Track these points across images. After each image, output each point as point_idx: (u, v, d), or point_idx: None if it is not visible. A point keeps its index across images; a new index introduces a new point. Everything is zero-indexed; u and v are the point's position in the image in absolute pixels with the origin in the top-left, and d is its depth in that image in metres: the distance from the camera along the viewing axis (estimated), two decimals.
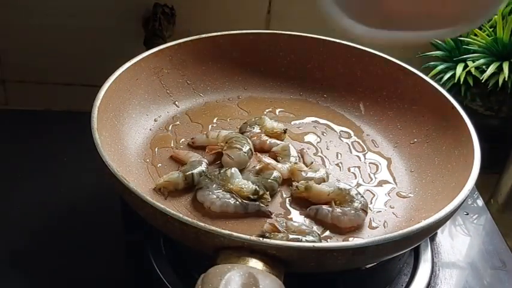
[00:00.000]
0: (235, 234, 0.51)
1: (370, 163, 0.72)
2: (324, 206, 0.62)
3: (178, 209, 0.62)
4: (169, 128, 0.74)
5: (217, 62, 0.81)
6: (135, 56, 0.74)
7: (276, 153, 0.70)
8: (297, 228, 0.59)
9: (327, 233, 0.61)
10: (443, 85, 0.85)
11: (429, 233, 0.58)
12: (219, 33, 0.81)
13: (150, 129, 0.74)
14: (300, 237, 0.57)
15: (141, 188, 0.61)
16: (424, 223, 0.55)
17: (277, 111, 0.79)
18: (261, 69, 0.83)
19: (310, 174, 0.66)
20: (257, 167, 0.67)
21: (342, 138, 0.75)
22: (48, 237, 0.71)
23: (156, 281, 0.62)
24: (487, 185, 0.89)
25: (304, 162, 0.69)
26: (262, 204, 0.62)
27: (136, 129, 0.72)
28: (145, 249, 0.64)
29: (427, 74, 0.77)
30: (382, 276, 0.65)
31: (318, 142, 0.74)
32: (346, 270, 0.57)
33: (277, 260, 0.51)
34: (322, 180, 0.66)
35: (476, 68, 0.86)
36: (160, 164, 0.68)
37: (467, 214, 0.78)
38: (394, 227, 0.63)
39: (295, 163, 0.67)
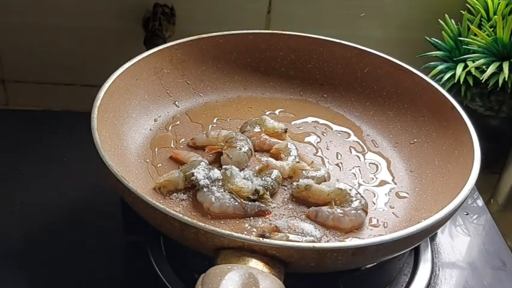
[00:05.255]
0: (235, 234, 0.51)
1: (370, 163, 0.72)
2: (324, 208, 0.62)
3: (178, 209, 0.62)
4: (169, 128, 0.74)
5: (217, 62, 0.81)
6: (135, 56, 0.74)
7: (280, 150, 0.70)
8: (297, 228, 0.59)
9: (327, 233, 0.61)
10: (443, 85, 0.85)
11: (429, 233, 0.58)
12: (219, 33, 0.81)
13: (150, 129, 0.74)
14: (300, 237, 0.57)
15: (141, 188, 0.61)
16: (424, 223, 0.55)
17: (277, 111, 0.79)
18: (261, 69, 0.83)
19: (311, 174, 0.66)
20: (257, 167, 0.67)
21: (341, 139, 0.75)
22: (48, 237, 0.71)
23: (156, 281, 0.62)
24: (487, 185, 0.89)
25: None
26: (262, 204, 0.62)
27: (136, 129, 0.72)
28: (145, 249, 0.64)
29: (427, 74, 0.77)
30: (382, 276, 0.65)
31: (318, 142, 0.74)
32: (346, 270, 0.57)
33: (277, 260, 0.51)
34: (323, 179, 0.66)
35: (476, 68, 0.86)
36: (160, 164, 0.68)
37: (467, 214, 0.78)
38: (394, 227, 0.63)
39: (297, 162, 0.67)
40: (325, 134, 0.76)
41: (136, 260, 0.67)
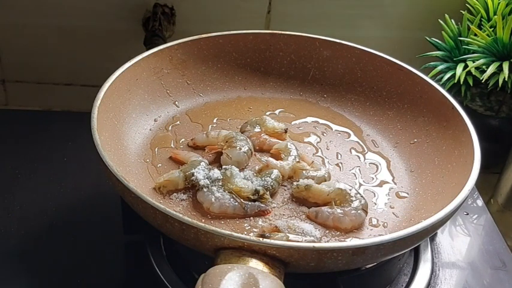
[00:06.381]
0: (235, 234, 0.51)
1: (370, 163, 0.72)
2: (324, 208, 0.62)
3: (178, 209, 0.62)
4: (169, 128, 0.74)
5: (217, 62, 0.81)
6: (135, 56, 0.74)
7: (280, 150, 0.70)
8: (297, 228, 0.59)
9: (327, 233, 0.61)
10: (443, 85, 0.85)
11: (429, 233, 0.58)
12: (219, 33, 0.81)
13: (150, 129, 0.74)
14: (300, 237, 0.57)
15: (141, 188, 0.61)
16: (424, 223, 0.55)
17: (277, 111, 0.79)
18: (261, 69, 0.83)
19: (311, 173, 0.66)
20: (257, 167, 0.67)
21: (341, 139, 0.75)
22: (48, 237, 0.71)
23: (156, 281, 0.62)
24: (487, 185, 0.89)
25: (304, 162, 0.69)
26: (262, 204, 0.62)
27: (136, 129, 0.72)
28: (145, 249, 0.64)
29: (427, 74, 0.77)
30: (382, 276, 0.65)
31: (318, 142, 0.74)
32: (346, 270, 0.57)
33: (277, 260, 0.51)
34: (324, 179, 0.66)
35: (476, 68, 0.86)
36: (160, 164, 0.68)
37: (467, 214, 0.78)
38: (394, 227, 0.63)
39: (298, 162, 0.67)
40: (325, 134, 0.76)
41: (136, 260, 0.68)
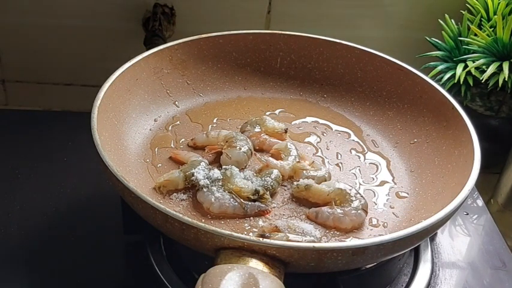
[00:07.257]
0: (235, 234, 0.51)
1: (370, 163, 0.72)
2: (324, 208, 0.62)
3: (178, 209, 0.62)
4: (169, 128, 0.74)
5: (217, 62, 0.81)
6: (135, 56, 0.74)
7: (280, 150, 0.70)
8: (297, 228, 0.59)
9: (327, 233, 0.61)
10: (443, 85, 0.85)
11: (429, 233, 0.58)
12: (219, 33, 0.81)
13: (150, 129, 0.74)
14: (300, 237, 0.57)
15: (141, 188, 0.61)
16: (424, 223, 0.55)
17: (277, 111, 0.79)
18: (261, 69, 0.83)
19: (312, 173, 0.66)
20: (257, 167, 0.67)
21: (342, 139, 0.75)
22: (48, 237, 0.71)
23: (156, 281, 0.62)
24: (487, 185, 0.89)
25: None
26: (262, 204, 0.62)
27: (136, 129, 0.72)
28: (145, 249, 0.64)
29: (427, 74, 0.77)
30: (382, 276, 0.65)
31: (318, 142, 0.74)
32: (346, 270, 0.57)
33: (277, 260, 0.51)
34: (324, 179, 0.66)
35: (476, 68, 0.86)
36: (160, 164, 0.68)
37: (467, 214, 0.78)
38: (394, 227, 0.63)
39: (298, 162, 0.67)
40: (325, 134, 0.76)
41: (136, 260, 0.68)
